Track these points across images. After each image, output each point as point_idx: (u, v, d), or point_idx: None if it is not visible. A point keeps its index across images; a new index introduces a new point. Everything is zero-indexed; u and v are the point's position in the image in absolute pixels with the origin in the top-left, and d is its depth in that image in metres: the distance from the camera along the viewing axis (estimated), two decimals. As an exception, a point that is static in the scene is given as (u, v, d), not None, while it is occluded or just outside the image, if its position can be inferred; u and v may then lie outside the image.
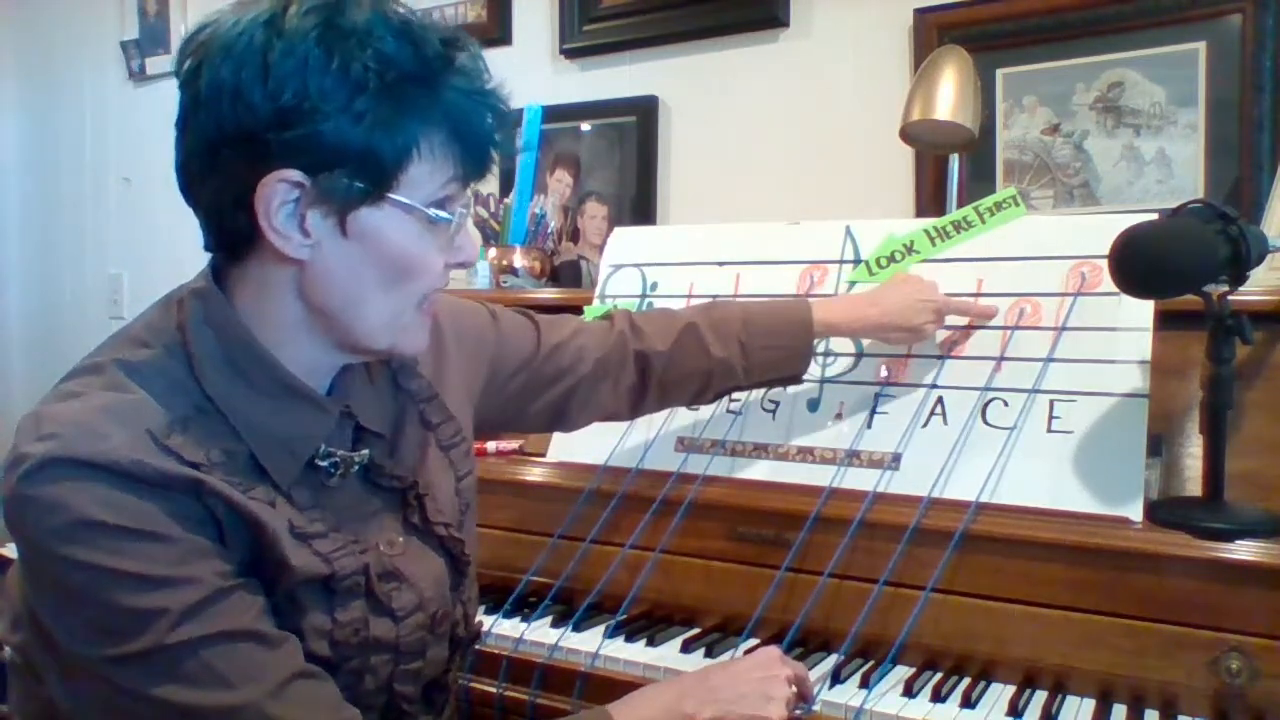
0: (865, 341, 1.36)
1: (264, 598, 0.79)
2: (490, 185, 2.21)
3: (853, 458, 1.29)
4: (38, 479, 0.71)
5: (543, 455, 1.48)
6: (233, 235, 0.80)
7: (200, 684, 0.73)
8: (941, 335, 1.32)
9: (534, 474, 1.44)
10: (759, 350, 1.22)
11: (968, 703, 1.06)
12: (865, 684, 1.08)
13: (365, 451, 0.89)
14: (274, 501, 0.80)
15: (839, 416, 1.33)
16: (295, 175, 0.75)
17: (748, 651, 1.15)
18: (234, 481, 0.78)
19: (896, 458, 1.26)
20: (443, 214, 0.81)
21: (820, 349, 1.37)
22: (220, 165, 0.77)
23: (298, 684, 0.77)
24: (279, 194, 0.76)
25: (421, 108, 0.77)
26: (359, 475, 0.89)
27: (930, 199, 1.84)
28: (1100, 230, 1.22)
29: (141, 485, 0.73)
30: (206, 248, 0.84)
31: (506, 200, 2.00)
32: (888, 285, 1.32)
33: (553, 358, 1.15)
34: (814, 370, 1.37)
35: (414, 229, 0.80)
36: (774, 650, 1.01)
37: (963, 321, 1.31)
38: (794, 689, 0.99)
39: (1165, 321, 1.21)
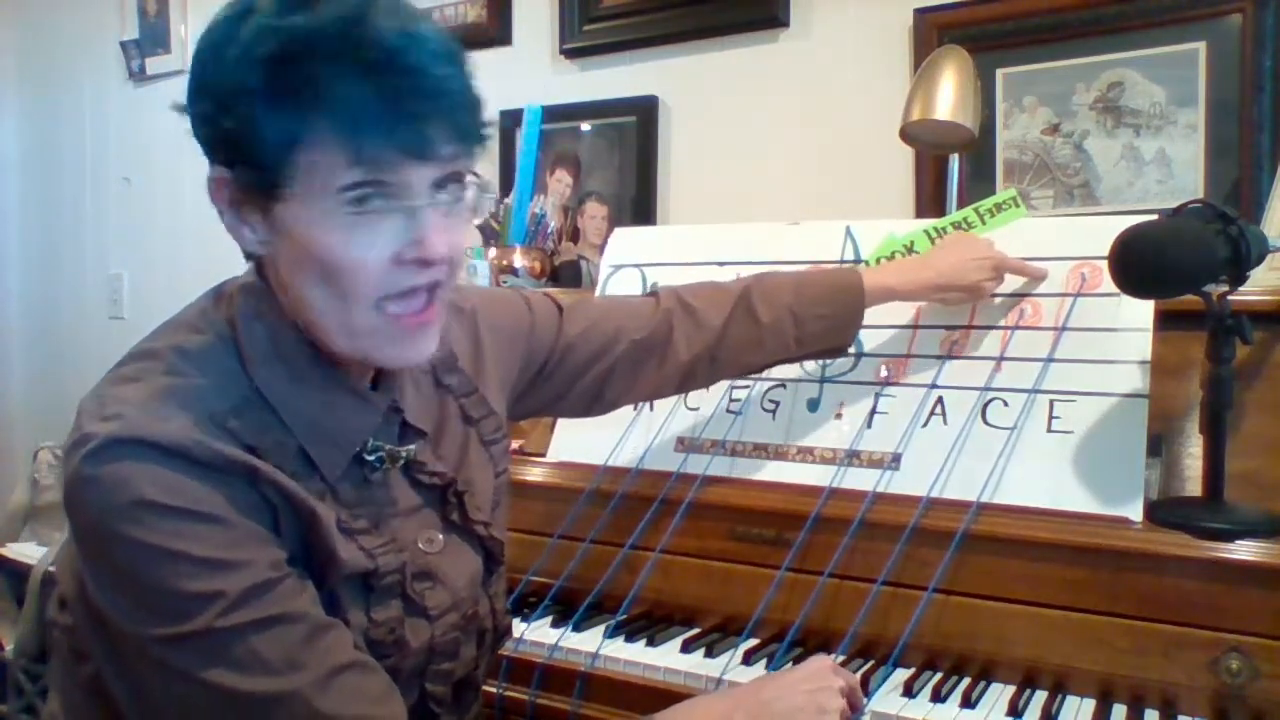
0: (865, 341, 1.36)
1: (313, 587, 0.79)
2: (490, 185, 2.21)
3: (853, 458, 1.29)
4: (101, 458, 0.72)
5: (543, 455, 1.48)
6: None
7: (248, 669, 0.73)
8: (941, 335, 1.32)
9: (534, 474, 1.44)
10: (811, 320, 1.20)
11: (968, 703, 1.06)
12: (865, 684, 1.08)
13: (411, 447, 0.90)
14: (323, 495, 0.81)
15: (839, 416, 1.33)
16: (222, 171, 0.77)
17: (749, 652, 1.16)
18: (287, 471, 0.79)
19: (896, 458, 1.26)
20: (350, 203, 0.74)
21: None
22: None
23: (346, 675, 0.77)
24: (218, 189, 0.78)
25: (305, 90, 0.72)
26: (401, 471, 0.89)
27: (930, 199, 1.84)
28: (1100, 231, 1.21)
29: (201, 468, 0.74)
30: None
31: (507, 200, 2.00)
32: (940, 247, 1.31)
33: (582, 344, 1.12)
34: (814, 370, 1.37)
35: (336, 222, 0.74)
36: (825, 660, 0.98)
37: (1019, 281, 1.29)
38: (845, 701, 0.95)
39: (1165, 321, 1.21)
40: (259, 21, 0.73)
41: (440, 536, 0.90)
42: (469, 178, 0.80)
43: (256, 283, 0.83)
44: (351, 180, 0.74)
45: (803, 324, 1.19)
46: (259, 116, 0.73)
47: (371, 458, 0.86)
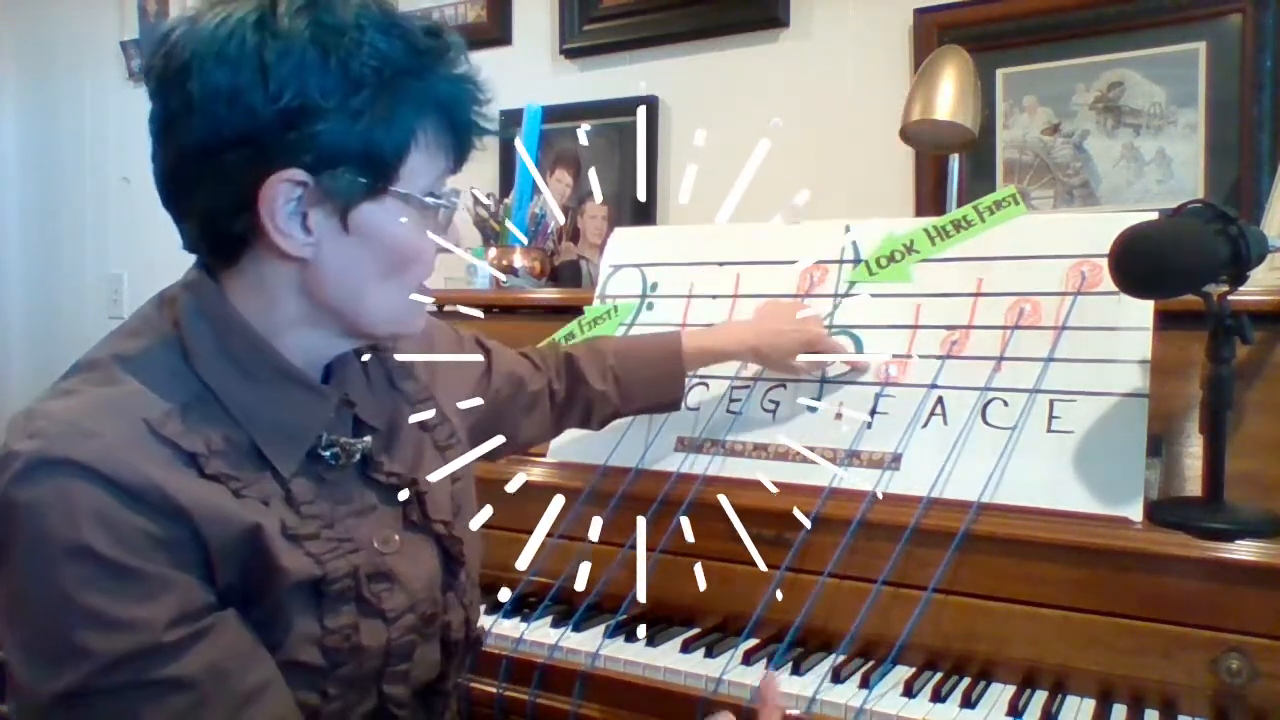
0: (865, 341, 1.36)
1: (236, 632, 0.76)
2: (490, 185, 2.21)
3: (853, 458, 1.29)
4: (22, 481, 0.70)
5: (543, 455, 1.48)
6: (229, 238, 0.80)
7: None
8: (941, 335, 1.32)
9: (534, 474, 1.44)
10: (634, 384, 1.28)
11: (968, 703, 1.06)
12: (865, 684, 1.08)
13: (367, 439, 0.89)
14: (268, 499, 0.79)
15: (839, 416, 1.33)
16: (299, 175, 0.76)
17: (749, 652, 1.16)
18: (231, 475, 0.77)
19: (896, 458, 1.26)
20: (440, 200, 0.83)
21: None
22: (219, 169, 0.76)
23: None
24: (282, 194, 0.76)
25: (417, 100, 0.79)
26: (357, 470, 0.88)
27: (930, 199, 1.84)
28: (1100, 230, 1.22)
29: (125, 495, 0.71)
30: (194, 250, 0.85)
31: (507, 200, 2.00)
32: (765, 312, 1.37)
33: (504, 386, 1.18)
34: (814, 370, 1.37)
35: (413, 219, 0.82)
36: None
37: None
38: None
39: (1165, 321, 1.21)
40: (367, 34, 0.76)
41: (397, 537, 0.89)
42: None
43: (204, 280, 0.82)
44: (441, 180, 0.84)
45: (622, 383, 1.28)
46: (381, 124, 0.77)
47: (326, 453, 0.85)
